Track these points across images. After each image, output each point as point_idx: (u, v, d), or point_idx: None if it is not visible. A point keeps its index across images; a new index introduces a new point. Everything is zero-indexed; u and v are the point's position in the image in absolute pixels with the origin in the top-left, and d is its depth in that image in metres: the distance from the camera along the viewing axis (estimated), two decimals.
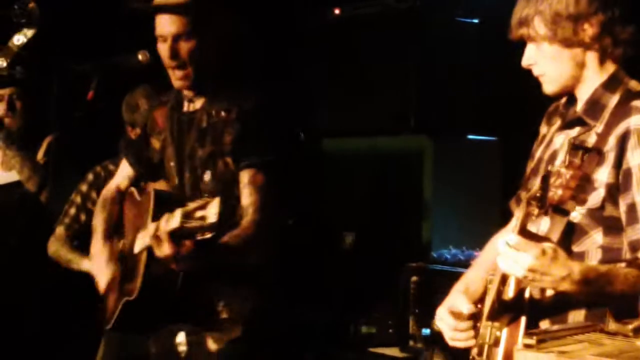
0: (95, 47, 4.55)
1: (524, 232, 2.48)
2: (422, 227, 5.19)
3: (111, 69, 3.75)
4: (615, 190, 2.60)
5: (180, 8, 3.42)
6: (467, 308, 2.75)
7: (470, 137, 5.25)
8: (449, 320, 2.79)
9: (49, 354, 4.70)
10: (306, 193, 5.15)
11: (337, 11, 5.49)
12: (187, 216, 3.08)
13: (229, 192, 3.43)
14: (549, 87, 2.76)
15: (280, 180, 3.48)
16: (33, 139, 4.78)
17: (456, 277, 3.02)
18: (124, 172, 3.83)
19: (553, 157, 2.81)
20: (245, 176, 3.44)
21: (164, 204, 3.41)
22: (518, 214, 2.54)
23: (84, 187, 4.52)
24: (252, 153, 3.45)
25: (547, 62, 2.72)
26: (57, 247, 4.48)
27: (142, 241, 3.44)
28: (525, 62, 2.76)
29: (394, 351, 4.79)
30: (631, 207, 2.58)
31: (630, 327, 2.13)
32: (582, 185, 2.44)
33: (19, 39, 4.15)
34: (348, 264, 5.18)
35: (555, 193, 2.39)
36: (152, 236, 3.22)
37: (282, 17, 5.64)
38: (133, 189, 3.78)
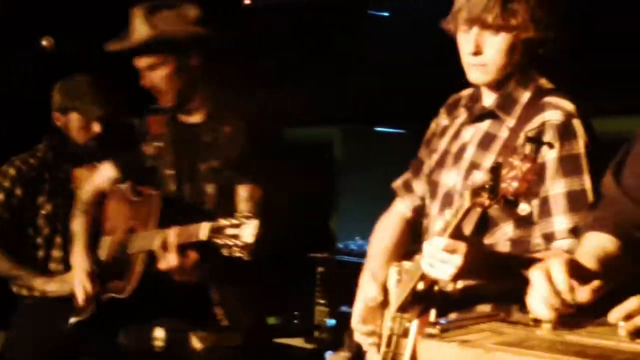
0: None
1: (458, 230, 2.45)
2: (328, 218, 5.20)
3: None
4: None
5: (141, 48, 3.49)
6: (372, 299, 2.79)
7: (378, 129, 5.28)
8: (363, 329, 2.88)
9: None
10: None
11: (247, 1, 5.46)
12: (216, 231, 3.10)
13: (230, 204, 3.44)
14: (488, 76, 2.71)
15: (277, 191, 3.52)
16: None
17: (362, 268, 3.05)
18: (104, 174, 3.84)
19: (462, 149, 2.82)
20: (243, 190, 3.47)
21: (168, 211, 3.45)
22: (462, 204, 2.44)
23: (6, 183, 4.32)
24: (253, 168, 3.49)
25: (498, 52, 2.67)
26: None
27: (141, 243, 3.47)
28: (474, 49, 2.67)
29: (298, 342, 4.80)
30: (544, 201, 2.62)
31: (531, 316, 2.16)
32: (535, 179, 2.40)
33: None
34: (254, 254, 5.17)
35: (510, 185, 2.30)
36: (159, 245, 3.26)
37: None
38: (125, 187, 3.75)
